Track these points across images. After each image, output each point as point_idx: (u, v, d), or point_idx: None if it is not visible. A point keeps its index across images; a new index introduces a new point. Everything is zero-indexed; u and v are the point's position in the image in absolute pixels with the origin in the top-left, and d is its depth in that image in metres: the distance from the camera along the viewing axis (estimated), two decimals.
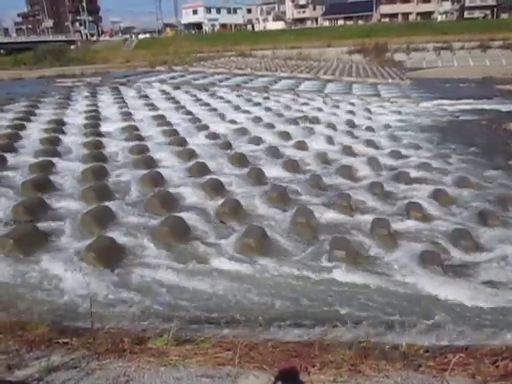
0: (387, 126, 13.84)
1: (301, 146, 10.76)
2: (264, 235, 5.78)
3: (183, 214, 6.42)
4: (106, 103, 16.55)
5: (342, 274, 4.92)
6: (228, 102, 17.19)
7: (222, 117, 13.97)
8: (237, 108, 15.68)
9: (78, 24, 79.11)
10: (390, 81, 28.52)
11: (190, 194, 7.42)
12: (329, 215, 6.69)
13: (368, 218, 6.49)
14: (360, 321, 4.07)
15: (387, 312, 4.33)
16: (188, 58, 40.14)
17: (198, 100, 17.45)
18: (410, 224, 6.37)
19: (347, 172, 8.78)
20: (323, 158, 9.84)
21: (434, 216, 6.74)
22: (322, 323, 3.98)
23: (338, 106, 17.23)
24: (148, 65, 35.33)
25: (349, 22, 64.87)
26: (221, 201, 6.92)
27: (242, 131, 12.01)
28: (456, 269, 5.15)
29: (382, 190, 7.81)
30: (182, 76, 27.58)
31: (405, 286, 4.77)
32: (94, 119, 13.24)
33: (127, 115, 13.86)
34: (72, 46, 57.83)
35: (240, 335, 3.39)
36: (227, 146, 10.50)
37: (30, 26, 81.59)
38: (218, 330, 3.75)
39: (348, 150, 10.52)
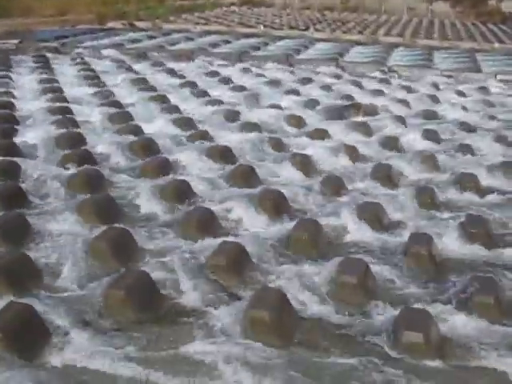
0: (493, 120, 14.04)
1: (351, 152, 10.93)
2: None
3: None
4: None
5: None
6: None
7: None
8: None
9: None
10: (496, 45, 28.66)
11: None
12: None
13: None
14: None
15: None
16: (162, 8, 40.75)
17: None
18: None
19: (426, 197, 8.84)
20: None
21: None
22: None
23: (410, 89, 17.46)
24: (95, 20, 36.05)
25: None
26: None
27: None
28: None
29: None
30: (151, 37, 28.07)
31: None
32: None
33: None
34: None
35: None
36: None
37: None
38: None
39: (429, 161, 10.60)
